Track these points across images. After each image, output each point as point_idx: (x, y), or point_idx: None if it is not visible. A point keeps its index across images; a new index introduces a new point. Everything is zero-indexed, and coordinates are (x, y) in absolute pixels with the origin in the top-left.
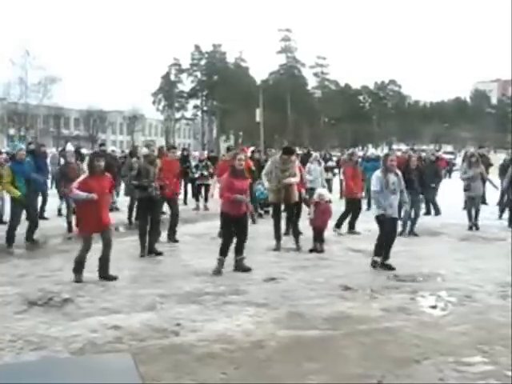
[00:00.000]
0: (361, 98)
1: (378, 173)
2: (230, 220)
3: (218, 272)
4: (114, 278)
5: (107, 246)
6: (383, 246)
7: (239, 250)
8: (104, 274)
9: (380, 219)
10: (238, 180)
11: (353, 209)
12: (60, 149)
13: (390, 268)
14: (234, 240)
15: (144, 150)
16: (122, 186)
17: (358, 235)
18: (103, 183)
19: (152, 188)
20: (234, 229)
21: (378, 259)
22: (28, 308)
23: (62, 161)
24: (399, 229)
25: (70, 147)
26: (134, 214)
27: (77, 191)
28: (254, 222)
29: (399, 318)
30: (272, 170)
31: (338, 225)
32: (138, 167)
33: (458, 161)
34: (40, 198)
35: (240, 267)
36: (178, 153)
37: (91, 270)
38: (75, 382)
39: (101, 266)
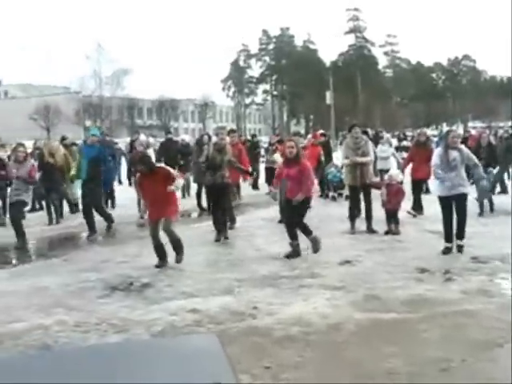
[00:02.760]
0: (434, 75)
1: (438, 149)
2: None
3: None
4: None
5: (168, 236)
6: (452, 229)
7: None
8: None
9: (441, 199)
10: (288, 167)
11: (416, 189)
12: (131, 139)
13: (463, 249)
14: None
15: (213, 139)
16: None
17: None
18: (156, 178)
19: (218, 176)
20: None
21: (450, 245)
22: (110, 293)
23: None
24: (477, 210)
25: (143, 137)
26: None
27: None
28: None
29: (479, 301)
30: (346, 152)
31: (416, 207)
32: (206, 154)
33: None
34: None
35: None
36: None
37: (170, 255)
38: (163, 363)
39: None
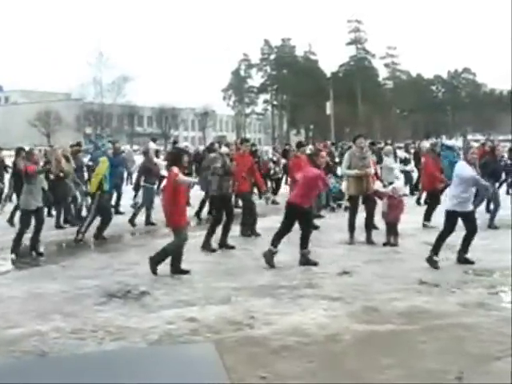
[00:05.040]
0: (433, 87)
1: (464, 163)
2: (297, 212)
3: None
4: (186, 272)
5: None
6: (442, 244)
7: (305, 243)
8: (177, 269)
9: (452, 215)
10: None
11: (434, 201)
12: (141, 147)
13: (469, 262)
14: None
15: (224, 149)
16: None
17: (433, 228)
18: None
19: (228, 185)
20: (298, 221)
21: (438, 258)
22: (107, 300)
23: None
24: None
25: (152, 145)
26: (206, 208)
27: (183, 176)
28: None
29: (478, 314)
30: (350, 160)
31: (427, 218)
32: (223, 163)
33: None
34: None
35: (306, 261)
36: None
37: (166, 263)
38: (160, 371)
39: (173, 261)
